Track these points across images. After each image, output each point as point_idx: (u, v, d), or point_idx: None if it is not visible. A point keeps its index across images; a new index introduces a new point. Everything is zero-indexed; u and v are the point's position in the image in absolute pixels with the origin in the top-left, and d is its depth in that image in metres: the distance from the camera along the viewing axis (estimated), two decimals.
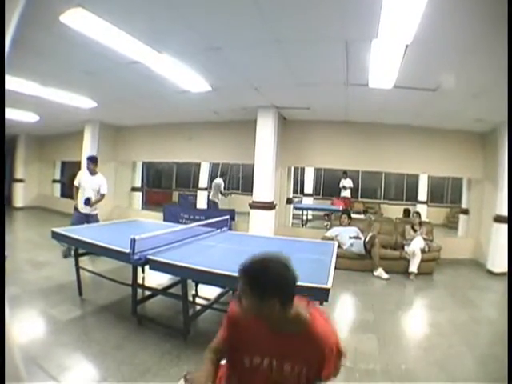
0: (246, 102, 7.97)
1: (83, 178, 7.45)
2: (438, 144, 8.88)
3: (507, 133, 7.09)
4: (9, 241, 8.45)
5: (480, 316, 5.23)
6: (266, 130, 8.28)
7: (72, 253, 5.75)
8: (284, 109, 8.37)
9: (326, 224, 11.67)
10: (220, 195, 12.49)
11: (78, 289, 5.18)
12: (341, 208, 12.18)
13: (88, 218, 7.25)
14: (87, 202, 7.24)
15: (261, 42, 4.63)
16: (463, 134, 8.75)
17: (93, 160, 7.59)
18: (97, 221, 7.39)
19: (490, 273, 7.61)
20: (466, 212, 9.95)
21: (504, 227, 7.24)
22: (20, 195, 15.03)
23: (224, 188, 12.58)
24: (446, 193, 16.14)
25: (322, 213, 14.71)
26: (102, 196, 7.51)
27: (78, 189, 7.44)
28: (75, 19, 4.03)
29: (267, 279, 1.63)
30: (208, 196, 13.28)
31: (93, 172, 7.45)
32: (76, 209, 7.38)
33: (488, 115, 7.15)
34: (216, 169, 16.50)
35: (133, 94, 7.62)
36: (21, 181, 15.01)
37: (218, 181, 12.69)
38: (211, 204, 12.43)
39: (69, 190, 15.40)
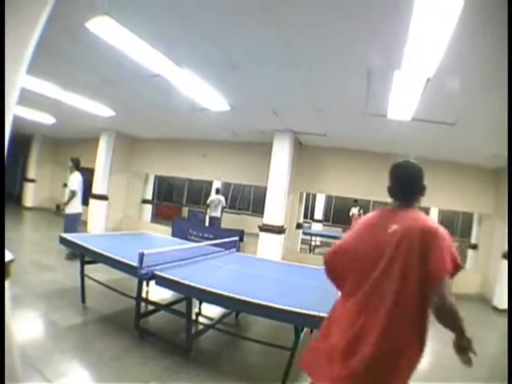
0: (263, 125, 8.01)
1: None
2: (451, 178, 8.85)
3: (507, 167, 7.03)
4: (15, 240, 8.48)
5: (481, 351, 5.13)
6: (281, 153, 8.31)
7: (76, 255, 5.76)
8: (300, 134, 8.41)
9: None
10: (220, 211, 12.43)
11: (81, 295, 5.16)
12: None
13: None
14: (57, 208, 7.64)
15: (282, 65, 4.67)
16: (477, 169, 8.74)
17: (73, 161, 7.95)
18: (72, 220, 7.57)
19: (496, 309, 7.50)
20: (475, 247, 9.89)
21: None
22: (30, 195, 15.14)
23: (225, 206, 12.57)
24: (456, 227, 15.99)
25: (330, 240, 14.64)
26: (71, 193, 7.69)
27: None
28: (101, 27, 4.09)
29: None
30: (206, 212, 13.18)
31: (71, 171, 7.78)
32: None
33: (504, 151, 7.11)
34: (228, 188, 16.55)
35: (151, 106, 7.70)
36: (32, 181, 15.13)
37: (219, 197, 12.60)
38: (213, 220, 12.37)
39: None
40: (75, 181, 7.66)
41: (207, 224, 12.25)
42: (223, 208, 12.50)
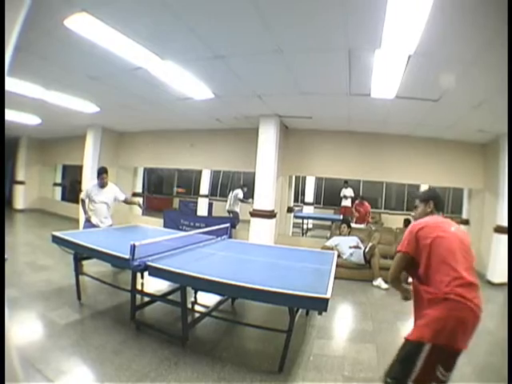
0: (248, 110, 8.00)
1: (93, 192, 6.85)
2: (439, 154, 8.90)
3: (507, 143, 7.09)
4: (9, 243, 8.46)
5: (479, 326, 5.21)
6: (267, 138, 8.30)
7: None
8: (286, 117, 8.41)
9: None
10: (240, 203, 12.44)
11: (76, 293, 5.17)
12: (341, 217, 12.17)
13: None
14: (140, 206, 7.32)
15: (264, 51, 4.66)
16: (464, 144, 8.78)
17: (107, 171, 7.03)
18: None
19: (490, 283, 7.58)
20: (466, 222, 9.93)
21: (504, 238, 7.25)
22: (21, 197, 15.09)
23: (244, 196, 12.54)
24: (447, 203, 16.10)
25: (322, 222, 14.72)
26: (126, 200, 7.32)
27: (83, 201, 6.90)
28: (79, 24, 4.06)
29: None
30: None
31: (104, 185, 6.93)
32: (88, 222, 6.82)
33: (489, 126, 7.16)
34: (217, 176, 16.53)
35: (135, 99, 7.64)
36: (22, 183, 15.07)
37: (236, 191, 12.65)
38: (230, 214, 12.37)
39: (69, 194, 15.44)
40: (119, 191, 7.24)
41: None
42: (238, 200, 12.48)
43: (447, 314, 2.31)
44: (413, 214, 3.15)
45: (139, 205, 7.34)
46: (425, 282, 2.55)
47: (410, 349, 2.36)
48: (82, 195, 6.94)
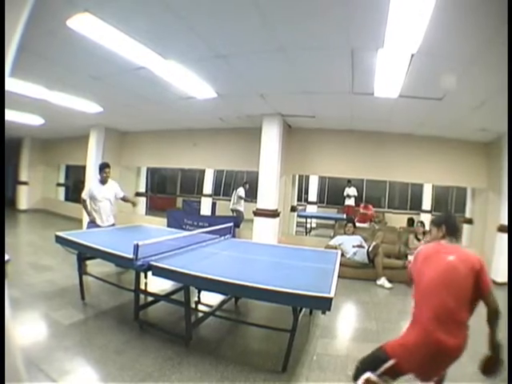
0: (251, 109, 7.99)
1: (96, 190, 6.71)
2: (443, 153, 8.88)
3: (507, 142, 7.06)
4: (12, 243, 8.49)
5: (482, 325, 5.19)
6: (270, 137, 8.29)
7: None
8: (289, 117, 8.40)
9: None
10: (243, 202, 12.49)
11: (80, 293, 5.18)
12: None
13: None
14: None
15: (266, 50, 4.66)
16: (467, 143, 8.75)
17: (110, 166, 6.97)
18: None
19: (494, 283, 7.55)
20: (469, 221, 9.92)
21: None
22: (24, 198, 15.13)
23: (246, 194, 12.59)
24: (450, 202, 16.05)
25: (325, 221, 14.69)
26: (124, 197, 7.04)
27: (85, 201, 6.69)
28: (82, 24, 4.07)
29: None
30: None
31: (105, 181, 6.80)
32: (92, 223, 6.67)
33: (492, 125, 7.13)
34: (221, 175, 16.51)
35: (138, 99, 7.65)
36: (25, 183, 15.11)
37: (239, 189, 12.70)
38: (234, 212, 12.49)
39: (73, 194, 15.43)
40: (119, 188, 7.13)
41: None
42: (238, 197, 12.55)
43: (418, 345, 2.50)
44: (427, 238, 3.20)
45: (134, 203, 7.27)
46: (415, 301, 2.78)
47: (380, 355, 2.60)
48: (84, 194, 6.75)
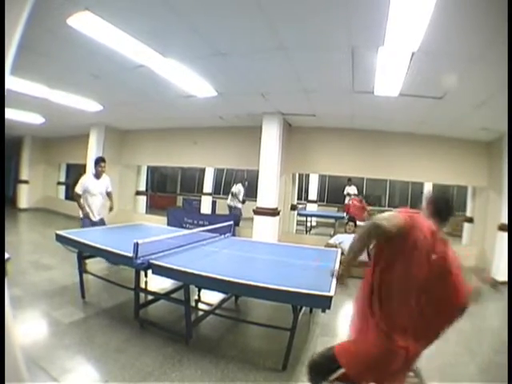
0: (251, 108, 7.99)
1: (91, 184, 6.77)
2: (443, 152, 8.87)
3: (507, 141, 7.06)
4: (12, 242, 8.49)
5: (483, 325, 5.19)
6: (271, 136, 8.30)
7: None
8: (289, 115, 8.39)
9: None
10: (238, 200, 12.50)
11: (80, 291, 5.18)
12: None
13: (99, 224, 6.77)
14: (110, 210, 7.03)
15: (266, 48, 4.66)
16: (468, 142, 8.74)
17: (105, 160, 7.03)
18: (104, 224, 6.92)
19: (494, 281, 7.53)
20: (470, 220, 9.92)
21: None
22: (24, 196, 15.09)
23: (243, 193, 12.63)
24: (451, 201, 16.02)
25: (325, 219, 14.68)
26: (110, 193, 7.09)
27: (79, 196, 6.69)
28: (82, 22, 4.07)
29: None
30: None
31: (100, 175, 6.88)
32: (86, 217, 6.68)
33: (493, 124, 7.13)
34: (221, 174, 16.51)
35: (138, 98, 7.65)
36: (25, 182, 15.07)
37: (237, 186, 12.72)
38: (231, 209, 12.49)
39: (72, 193, 15.48)
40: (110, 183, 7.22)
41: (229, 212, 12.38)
42: (234, 195, 12.58)
43: (375, 354, 2.41)
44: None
45: (111, 208, 7.10)
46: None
47: (331, 357, 2.57)
48: (78, 189, 6.70)
